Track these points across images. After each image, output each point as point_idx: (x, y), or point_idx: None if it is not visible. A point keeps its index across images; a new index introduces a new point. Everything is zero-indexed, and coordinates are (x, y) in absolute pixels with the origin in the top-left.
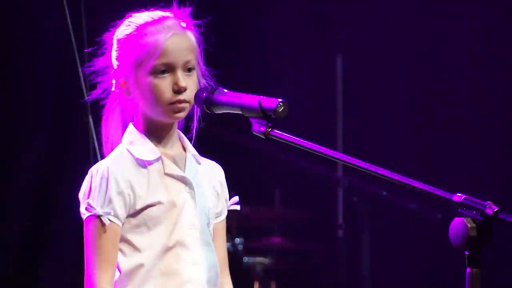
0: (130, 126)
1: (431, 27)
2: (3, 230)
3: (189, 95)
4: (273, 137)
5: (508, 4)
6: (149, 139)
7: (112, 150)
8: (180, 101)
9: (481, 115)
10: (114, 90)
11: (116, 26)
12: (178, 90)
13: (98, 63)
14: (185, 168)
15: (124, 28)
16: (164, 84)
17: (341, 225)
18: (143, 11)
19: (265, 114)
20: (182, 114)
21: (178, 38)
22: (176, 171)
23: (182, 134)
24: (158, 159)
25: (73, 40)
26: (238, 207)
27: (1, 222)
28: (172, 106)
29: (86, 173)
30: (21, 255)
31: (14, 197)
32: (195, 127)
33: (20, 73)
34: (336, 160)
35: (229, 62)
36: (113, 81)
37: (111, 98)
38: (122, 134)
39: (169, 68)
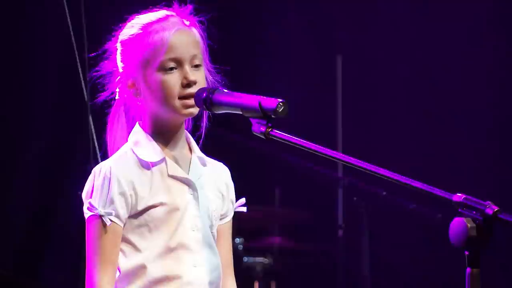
0: (137, 126)
1: (431, 28)
2: (3, 230)
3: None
4: (273, 137)
5: (508, 6)
6: (155, 140)
7: None
8: (191, 95)
9: (481, 115)
10: (119, 98)
11: (119, 29)
12: (188, 84)
13: (104, 67)
14: (189, 170)
15: (128, 30)
16: (173, 79)
17: (341, 225)
18: (145, 12)
19: (265, 114)
20: (194, 110)
21: (183, 33)
22: (180, 173)
23: (189, 136)
24: (162, 160)
25: (73, 40)
26: (244, 209)
27: (1, 222)
28: (183, 101)
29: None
30: (21, 255)
31: (14, 197)
32: (204, 125)
33: (20, 73)
34: (336, 160)
35: (229, 62)
36: (117, 90)
37: (115, 107)
38: (127, 140)
39: (177, 64)
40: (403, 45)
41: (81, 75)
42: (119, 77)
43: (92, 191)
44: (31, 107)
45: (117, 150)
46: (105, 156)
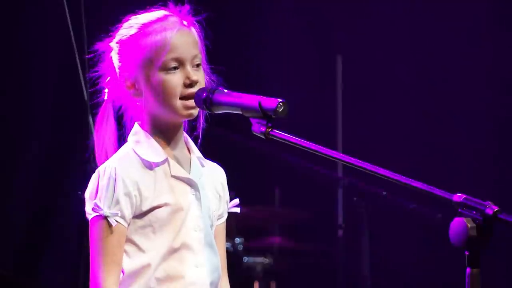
0: (136, 126)
1: (431, 28)
2: (3, 230)
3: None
4: (273, 137)
5: (507, 7)
6: (155, 140)
7: (106, 157)
8: (193, 95)
9: (481, 115)
10: (107, 98)
11: (116, 30)
12: (190, 84)
13: (102, 68)
14: (190, 170)
15: (127, 30)
16: (176, 79)
17: (341, 225)
18: (142, 12)
19: (265, 114)
20: (194, 111)
21: (184, 33)
22: (182, 173)
23: (187, 136)
24: (165, 161)
25: (73, 40)
26: (238, 210)
27: (1, 222)
28: (184, 102)
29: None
30: (21, 255)
31: (14, 197)
32: (201, 125)
33: (20, 73)
34: (336, 160)
35: (229, 62)
36: (106, 90)
37: (103, 107)
38: (115, 141)
39: (179, 63)
40: (403, 45)
41: (81, 75)
42: (109, 77)
43: (97, 191)
44: (31, 107)
45: (104, 151)
46: (92, 156)
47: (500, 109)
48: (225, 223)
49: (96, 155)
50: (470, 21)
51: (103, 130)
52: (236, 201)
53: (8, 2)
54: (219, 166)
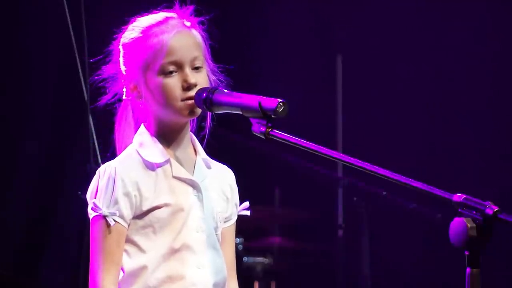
0: (142, 128)
1: (431, 27)
2: (3, 230)
3: None
4: (273, 137)
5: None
6: (160, 141)
7: None
8: (191, 98)
9: (481, 114)
10: (125, 97)
11: (121, 32)
12: (188, 87)
13: (107, 70)
14: (194, 172)
15: (129, 33)
16: (173, 82)
17: (341, 225)
18: (146, 15)
19: (265, 114)
20: (197, 110)
21: (182, 36)
22: (184, 174)
23: (194, 137)
24: (167, 161)
25: (73, 40)
26: (248, 213)
27: (1, 222)
28: (185, 103)
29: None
30: (21, 255)
31: (14, 197)
32: (208, 125)
33: (20, 74)
34: (336, 160)
35: (228, 62)
36: (124, 89)
37: (122, 106)
38: None
39: (177, 67)
40: (403, 44)
41: (81, 75)
42: (123, 80)
43: (97, 191)
44: (31, 107)
45: (124, 149)
46: (113, 155)
47: (506, 108)
48: (234, 226)
49: (117, 153)
50: (474, 20)
51: (122, 128)
52: (246, 204)
53: (8, 2)
54: (228, 168)
